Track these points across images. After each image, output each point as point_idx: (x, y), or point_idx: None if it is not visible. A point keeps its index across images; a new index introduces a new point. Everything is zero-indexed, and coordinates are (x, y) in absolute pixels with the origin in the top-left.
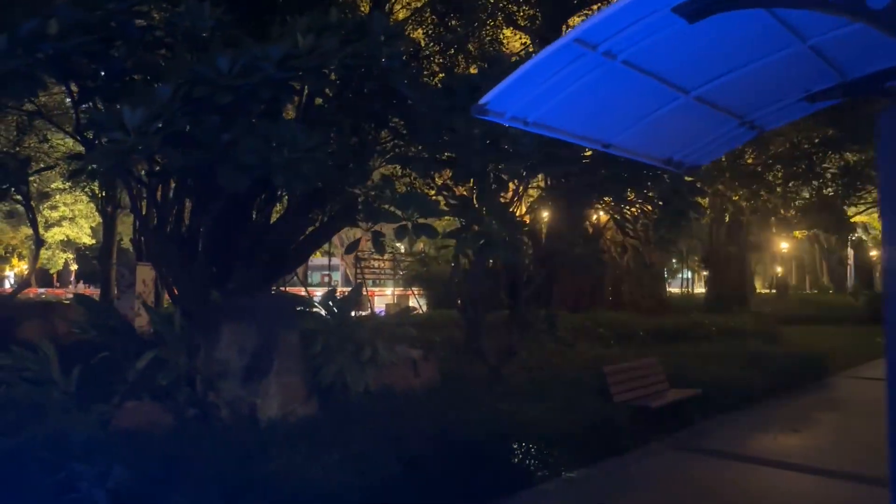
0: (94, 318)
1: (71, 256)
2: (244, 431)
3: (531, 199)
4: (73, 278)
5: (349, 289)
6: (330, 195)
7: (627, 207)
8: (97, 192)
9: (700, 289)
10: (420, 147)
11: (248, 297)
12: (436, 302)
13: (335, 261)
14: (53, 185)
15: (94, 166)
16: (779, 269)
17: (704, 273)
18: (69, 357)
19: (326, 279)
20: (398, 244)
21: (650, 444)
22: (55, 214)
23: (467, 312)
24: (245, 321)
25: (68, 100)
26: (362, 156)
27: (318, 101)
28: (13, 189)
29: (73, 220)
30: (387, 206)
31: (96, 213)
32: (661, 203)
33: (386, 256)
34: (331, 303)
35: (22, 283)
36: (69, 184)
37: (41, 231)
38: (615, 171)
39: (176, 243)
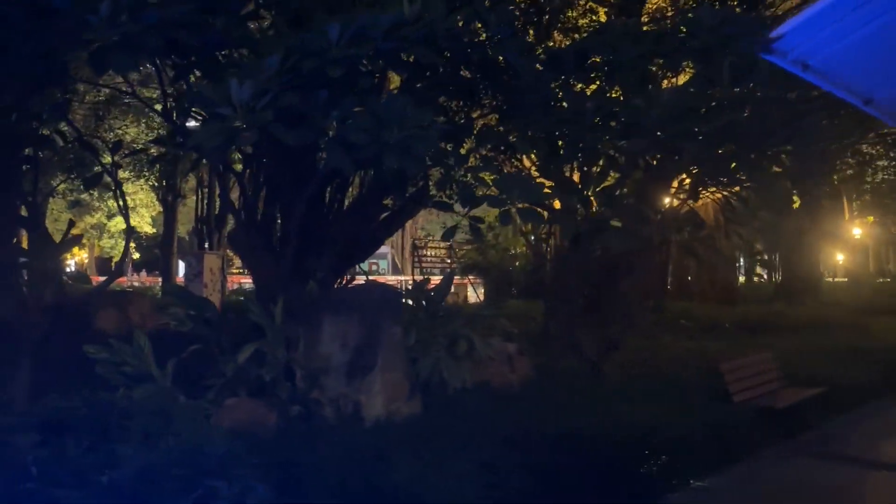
0: (192, 309)
1: (132, 245)
2: (353, 432)
3: (636, 181)
4: (130, 267)
5: (400, 277)
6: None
7: (728, 190)
8: (159, 181)
9: (759, 277)
10: (520, 125)
11: (349, 288)
12: (493, 291)
13: (383, 248)
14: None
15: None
16: (840, 257)
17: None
18: (157, 350)
19: (374, 267)
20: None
21: (777, 448)
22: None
23: (555, 303)
24: (347, 313)
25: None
26: (458, 136)
27: (408, 76)
28: (106, 174)
29: (133, 209)
30: (484, 191)
31: (156, 203)
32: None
33: (442, 244)
34: (421, 293)
35: (114, 272)
36: (129, 173)
37: (104, 220)
38: (742, 149)
39: (264, 231)
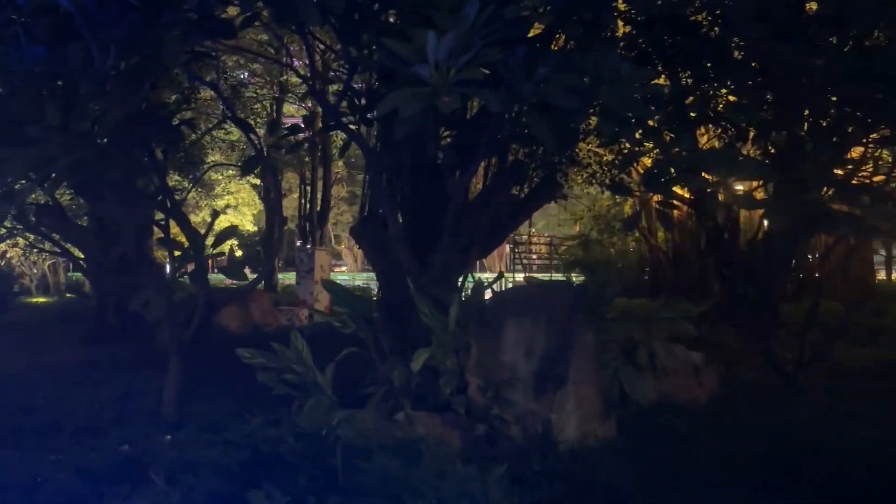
0: (353, 308)
1: (235, 243)
2: (554, 458)
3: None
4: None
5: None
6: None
7: None
8: (259, 180)
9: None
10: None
11: (533, 287)
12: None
13: None
14: (219, 175)
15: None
16: None
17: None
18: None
19: None
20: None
21: None
22: (221, 203)
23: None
24: (534, 316)
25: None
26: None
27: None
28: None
29: (236, 207)
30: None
31: (257, 201)
32: None
33: (541, 240)
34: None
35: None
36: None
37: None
38: None
39: (386, 225)
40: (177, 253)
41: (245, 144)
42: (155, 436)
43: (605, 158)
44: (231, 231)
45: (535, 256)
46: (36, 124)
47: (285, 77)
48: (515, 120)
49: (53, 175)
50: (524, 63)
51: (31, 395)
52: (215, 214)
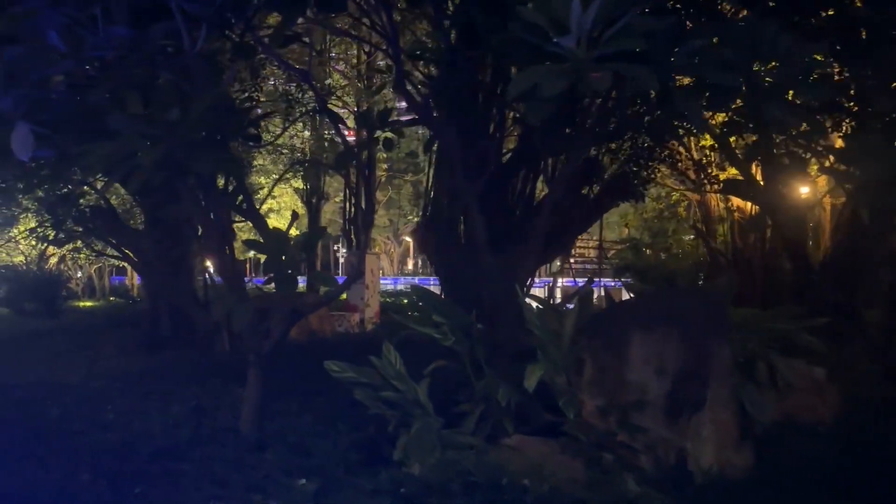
0: (448, 318)
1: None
2: (692, 494)
3: None
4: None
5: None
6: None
7: None
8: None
9: None
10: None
11: (660, 294)
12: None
13: None
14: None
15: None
16: None
17: None
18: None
19: None
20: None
21: None
22: (263, 207)
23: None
24: (665, 328)
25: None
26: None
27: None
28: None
29: (278, 212)
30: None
31: (299, 205)
32: None
33: (590, 244)
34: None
35: (352, 274)
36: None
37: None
38: None
39: (450, 227)
40: (261, 257)
41: (292, 147)
42: (244, 458)
43: (692, 154)
44: (319, 233)
45: (582, 260)
46: (117, 113)
47: (384, 61)
48: (662, 101)
49: (134, 170)
50: (672, 35)
51: (99, 409)
52: (295, 216)
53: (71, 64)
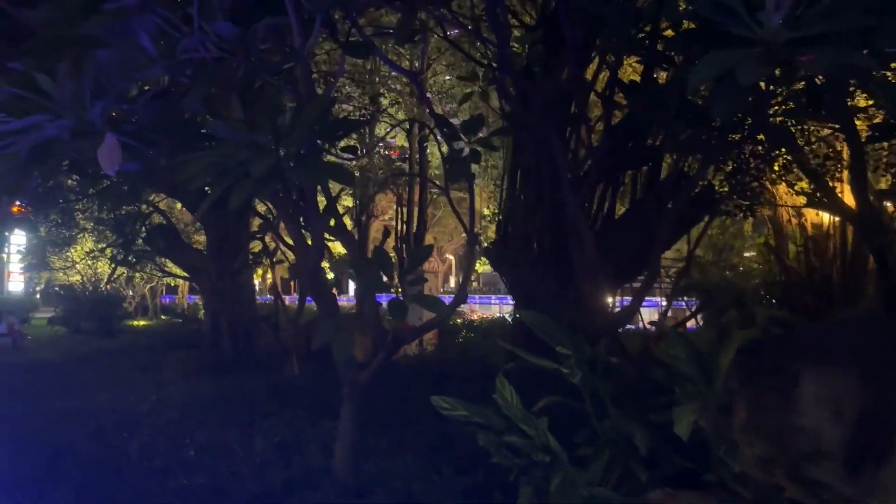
0: (581, 353)
1: (325, 265)
2: None
3: None
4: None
5: None
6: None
7: None
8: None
9: None
10: None
11: (832, 324)
12: (717, 317)
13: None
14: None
15: None
16: None
17: None
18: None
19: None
20: None
21: None
22: None
23: None
24: (842, 365)
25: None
26: None
27: None
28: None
29: None
30: None
31: (348, 223)
32: None
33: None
34: None
35: (460, 295)
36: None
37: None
38: None
39: (524, 245)
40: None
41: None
42: None
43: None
44: (428, 250)
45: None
46: (217, 120)
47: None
48: (811, 97)
49: (237, 182)
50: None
51: (178, 443)
52: (386, 233)
53: (162, 69)
